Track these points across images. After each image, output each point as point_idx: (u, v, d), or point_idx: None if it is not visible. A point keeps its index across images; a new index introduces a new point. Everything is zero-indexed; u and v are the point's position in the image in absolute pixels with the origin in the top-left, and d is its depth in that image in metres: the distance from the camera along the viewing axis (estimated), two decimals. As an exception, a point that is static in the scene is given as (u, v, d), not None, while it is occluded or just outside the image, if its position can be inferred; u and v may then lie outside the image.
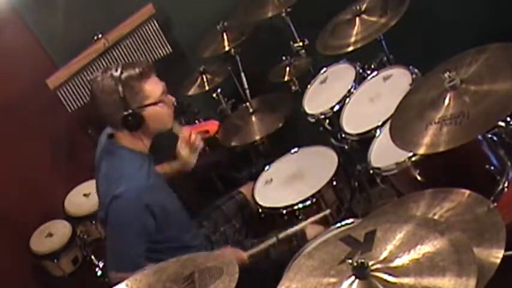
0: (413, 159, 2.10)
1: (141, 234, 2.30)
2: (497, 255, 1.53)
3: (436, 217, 1.72)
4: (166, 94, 2.38)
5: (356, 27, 2.85)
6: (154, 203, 2.29)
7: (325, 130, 2.84)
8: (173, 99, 2.41)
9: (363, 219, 2.13)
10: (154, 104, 2.32)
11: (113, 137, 2.40)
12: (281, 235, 2.40)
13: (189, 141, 2.61)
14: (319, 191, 2.54)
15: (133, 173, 2.31)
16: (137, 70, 2.29)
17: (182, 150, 2.62)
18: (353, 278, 1.42)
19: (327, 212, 2.43)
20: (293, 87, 3.24)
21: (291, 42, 3.27)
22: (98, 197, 2.48)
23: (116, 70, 2.28)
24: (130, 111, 2.27)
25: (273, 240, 2.40)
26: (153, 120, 2.33)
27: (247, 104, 3.23)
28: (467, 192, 1.76)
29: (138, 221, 2.28)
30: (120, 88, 2.25)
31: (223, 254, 2.37)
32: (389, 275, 1.40)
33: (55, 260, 3.32)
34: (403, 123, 2.02)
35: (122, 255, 2.29)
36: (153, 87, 2.33)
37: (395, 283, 1.38)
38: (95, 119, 2.41)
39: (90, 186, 3.29)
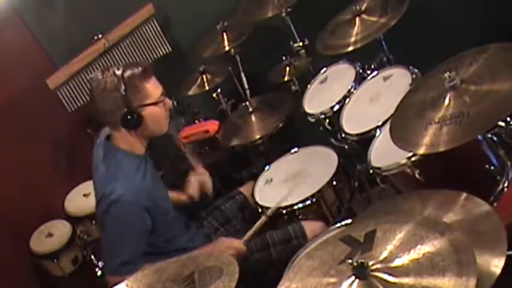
0: (413, 159, 2.10)
1: (141, 236, 2.31)
2: (498, 263, 1.52)
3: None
4: (165, 97, 2.39)
5: (356, 27, 2.85)
6: (152, 203, 2.30)
7: (325, 130, 2.84)
8: (170, 102, 2.42)
9: (358, 216, 2.13)
10: (154, 104, 2.33)
11: (109, 138, 2.40)
12: (269, 212, 2.47)
13: (201, 187, 2.73)
14: (319, 191, 2.53)
15: (130, 175, 2.31)
16: (140, 69, 2.31)
17: (192, 189, 2.71)
18: (353, 278, 1.42)
19: None
20: (293, 87, 3.24)
21: (291, 42, 3.27)
22: (95, 196, 2.49)
23: (118, 69, 2.30)
24: (130, 109, 2.28)
25: (263, 219, 2.45)
26: (151, 120, 2.33)
27: (247, 104, 3.23)
28: (466, 195, 1.76)
29: (137, 224, 2.28)
30: (122, 86, 2.26)
31: (220, 244, 2.38)
32: (390, 275, 1.40)
33: (55, 260, 3.32)
34: (403, 123, 2.02)
35: (121, 258, 2.28)
36: (154, 87, 2.34)
37: (395, 283, 1.38)
38: (94, 117, 2.42)
39: (90, 186, 3.26)
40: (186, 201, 2.70)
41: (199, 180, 2.75)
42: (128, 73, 2.28)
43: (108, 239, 2.34)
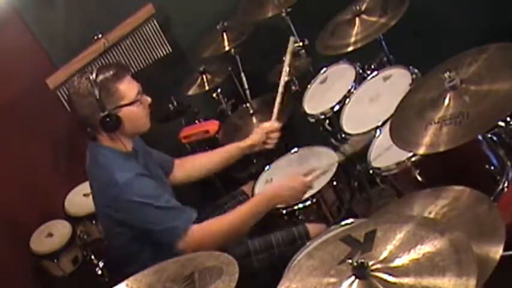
0: (413, 159, 2.10)
1: (165, 187, 2.38)
2: (496, 251, 1.53)
3: (434, 215, 1.73)
4: (142, 94, 2.39)
5: (356, 27, 2.85)
6: (147, 172, 2.36)
7: (325, 130, 2.84)
8: (149, 99, 2.43)
9: (365, 219, 2.13)
10: (130, 104, 2.34)
11: (95, 139, 2.41)
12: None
13: (268, 137, 2.78)
14: (319, 191, 2.53)
15: (122, 163, 2.34)
16: (111, 72, 2.33)
17: (258, 135, 2.77)
18: (353, 278, 1.42)
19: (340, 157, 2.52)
20: (293, 87, 3.24)
21: (291, 42, 3.27)
22: (92, 198, 2.50)
23: (92, 73, 2.32)
24: (106, 112, 2.29)
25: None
26: (129, 120, 2.35)
27: (247, 104, 3.23)
28: (468, 189, 1.76)
29: (151, 182, 2.32)
30: (96, 90, 2.28)
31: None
32: (390, 275, 1.40)
33: (55, 260, 3.31)
34: (403, 123, 2.02)
35: (175, 211, 2.32)
36: (128, 87, 2.35)
37: (395, 283, 1.38)
38: (77, 121, 2.44)
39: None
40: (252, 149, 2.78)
41: (265, 129, 2.79)
42: (100, 77, 2.31)
43: (143, 217, 2.31)
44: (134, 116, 2.36)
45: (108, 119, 2.31)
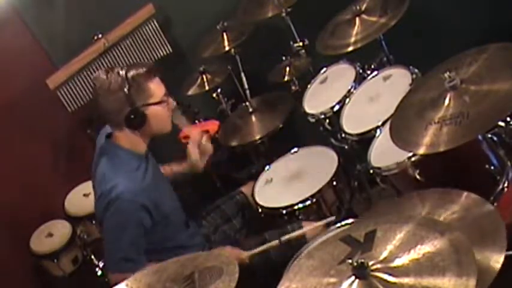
0: (413, 159, 2.10)
1: (139, 234, 2.31)
2: (497, 259, 1.53)
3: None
4: (168, 97, 2.39)
5: (356, 27, 2.85)
6: (151, 202, 2.30)
7: (325, 130, 2.84)
8: (174, 102, 2.44)
9: (362, 217, 2.14)
10: (158, 103, 2.34)
11: (111, 136, 2.40)
12: (284, 238, 2.40)
13: (200, 145, 2.69)
14: (319, 191, 2.53)
15: (130, 174, 2.32)
16: (144, 69, 2.33)
17: (192, 152, 2.67)
18: (353, 278, 1.42)
19: (332, 218, 2.42)
20: (293, 87, 3.24)
21: (291, 42, 3.27)
22: (94, 194, 2.49)
23: (122, 69, 2.31)
24: (135, 108, 2.28)
25: (275, 242, 2.41)
26: (154, 120, 2.34)
27: (247, 104, 3.23)
28: (467, 193, 1.76)
29: (135, 221, 2.29)
30: (126, 85, 2.27)
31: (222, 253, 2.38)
32: (390, 275, 1.40)
33: (55, 260, 3.32)
34: (403, 123, 2.02)
35: (120, 254, 2.29)
36: (157, 87, 2.36)
37: (395, 283, 1.38)
38: (96, 117, 2.42)
39: (90, 186, 3.24)
40: (189, 170, 2.69)
41: (196, 145, 2.72)
42: (132, 73, 2.29)
43: (108, 236, 2.35)
44: (159, 116, 2.36)
45: (134, 116, 2.29)
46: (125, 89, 2.27)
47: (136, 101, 2.29)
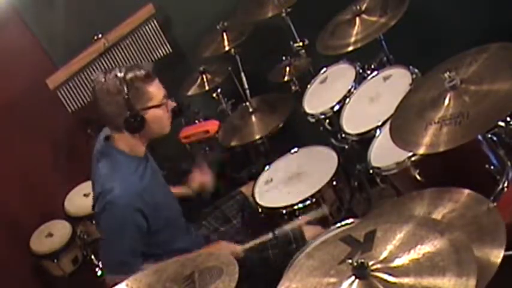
0: (413, 159, 2.10)
1: (135, 238, 2.30)
2: (497, 255, 1.53)
3: (437, 217, 1.73)
4: (168, 99, 2.38)
5: (356, 27, 2.85)
6: (147, 206, 2.29)
7: (325, 130, 2.84)
8: (174, 104, 2.42)
9: (363, 218, 2.14)
10: (157, 106, 2.32)
11: (109, 139, 2.40)
12: (277, 231, 2.42)
13: (202, 184, 2.77)
14: (319, 191, 2.53)
15: (127, 177, 2.31)
16: (142, 72, 2.30)
17: (194, 184, 2.75)
18: (353, 278, 1.42)
19: (325, 210, 2.42)
20: (293, 87, 3.24)
21: (291, 42, 3.27)
22: (92, 196, 2.49)
23: (120, 71, 2.27)
24: (133, 112, 2.27)
25: (269, 236, 2.41)
26: (154, 123, 2.33)
27: (247, 104, 3.23)
28: (467, 191, 1.76)
29: (131, 224, 2.28)
30: (124, 89, 2.24)
31: (217, 247, 2.38)
32: (390, 275, 1.40)
33: (55, 260, 3.32)
34: (403, 123, 2.02)
35: (116, 258, 2.29)
36: (157, 89, 2.33)
37: (395, 283, 1.38)
38: (96, 119, 2.41)
39: (90, 186, 3.25)
40: (189, 195, 2.74)
41: (202, 178, 2.78)
42: (130, 75, 2.26)
43: (104, 239, 2.35)
44: (159, 118, 2.34)
45: (133, 120, 2.27)
46: (124, 93, 2.24)
47: (135, 105, 2.26)
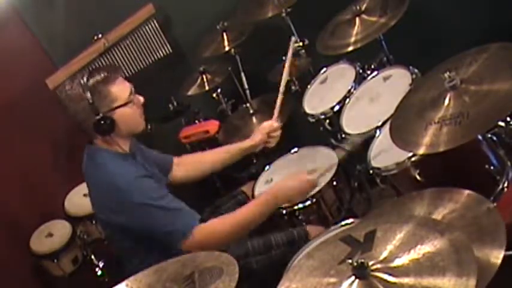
0: (413, 159, 2.10)
1: (160, 187, 2.35)
2: (497, 255, 1.53)
3: (437, 217, 1.73)
4: (135, 94, 2.39)
5: (356, 27, 2.85)
6: (147, 173, 2.36)
7: (325, 130, 2.84)
8: (142, 98, 2.42)
9: (363, 218, 2.14)
10: (124, 105, 2.33)
11: (92, 143, 2.41)
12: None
13: (269, 136, 2.79)
14: (319, 191, 2.53)
15: (119, 166, 2.33)
16: (102, 75, 2.32)
17: (259, 135, 2.78)
18: (353, 278, 1.42)
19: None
20: (293, 87, 3.24)
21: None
22: (90, 199, 2.49)
23: (83, 77, 2.31)
24: (100, 116, 2.29)
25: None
26: (124, 121, 2.34)
27: (248, 104, 3.23)
28: (467, 192, 1.76)
29: (149, 186, 2.31)
30: (88, 94, 2.27)
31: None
32: (390, 275, 1.40)
33: (55, 260, 3.32)
34: (403, 123, 2.02)
35: (175, 214, 2.30)
36: (120, 89, 2.34)
37: (395, 283, 1.38)
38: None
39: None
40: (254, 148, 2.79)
41: (270, 127, 2.81)
42: (91, 81, 2.30)
43: (148, 220, 2.29)
44: (128, 116, 2.35)
45: (102, 122, 2.30)
46: (88, 98, 2.27)
47: (101, 108, 2.29)
